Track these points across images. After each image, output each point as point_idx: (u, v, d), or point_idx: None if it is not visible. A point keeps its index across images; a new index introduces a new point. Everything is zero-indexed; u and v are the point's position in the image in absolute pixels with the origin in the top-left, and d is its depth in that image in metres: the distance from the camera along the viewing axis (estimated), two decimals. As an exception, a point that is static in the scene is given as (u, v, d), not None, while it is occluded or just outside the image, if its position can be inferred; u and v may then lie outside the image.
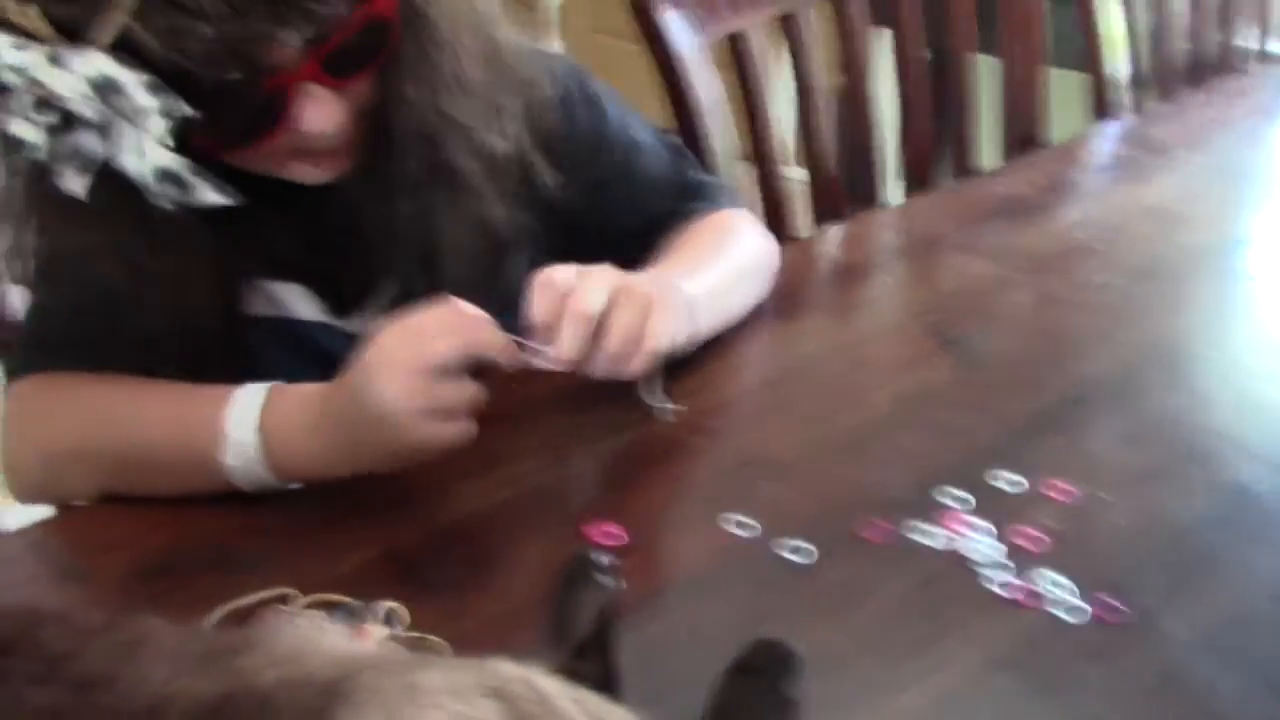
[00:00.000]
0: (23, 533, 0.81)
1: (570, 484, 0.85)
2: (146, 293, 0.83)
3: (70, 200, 0.74)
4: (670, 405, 0.90)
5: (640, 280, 0.85)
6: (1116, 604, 0.74)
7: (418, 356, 0.75)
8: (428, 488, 0.83)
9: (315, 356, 0.92)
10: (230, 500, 0.82)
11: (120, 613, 0.59)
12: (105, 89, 0.70)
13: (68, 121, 0.72)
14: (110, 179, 0.74)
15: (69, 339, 0.88)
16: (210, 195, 0.75)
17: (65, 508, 0.85)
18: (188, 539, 0.79)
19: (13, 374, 0.90)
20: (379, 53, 0.80)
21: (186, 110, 0.71)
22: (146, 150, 0.72)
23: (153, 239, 0.79)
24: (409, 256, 0.90)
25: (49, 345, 0.89)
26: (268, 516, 0.81)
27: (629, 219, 1.02)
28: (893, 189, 1.65)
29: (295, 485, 0.83)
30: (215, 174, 0.77)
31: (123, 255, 0.80)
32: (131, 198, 0.75)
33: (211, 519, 0.81)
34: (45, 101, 0.71)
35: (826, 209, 1.54)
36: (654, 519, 0.81)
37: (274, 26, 0.72)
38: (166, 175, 0.73)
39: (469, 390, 0.77)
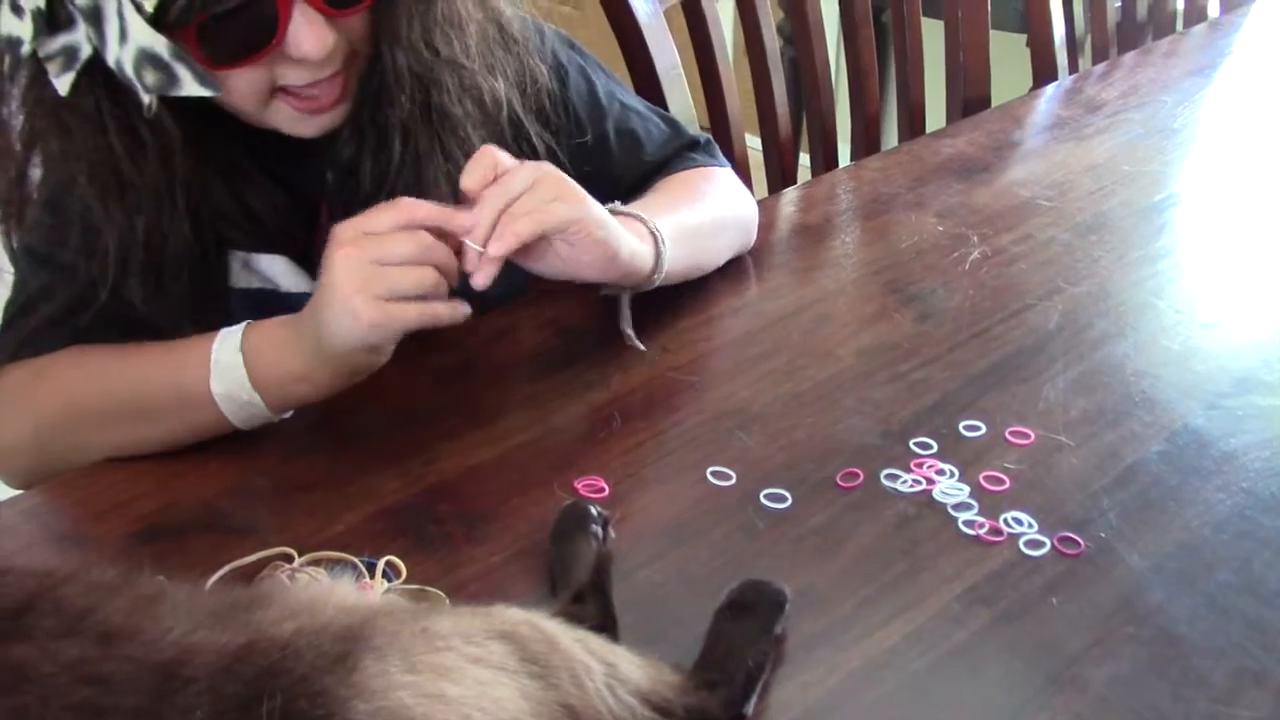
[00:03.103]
0: (16, 501, 0.82)
1: (554, 440, 0.87)
2: (121, 206, 0.82)
3: (60, 102, 0.76)
4: (634, 336, 0.94)
5: (567, 180, 0.85)
6: (1075, 537, 0.78)
7: (366, 248, 0.77)
8: (416, 447, 0.86)
9: None
10: (222, 464, 0.83)
11: (128, 572, 0.61)
12: None
13: (53, 13, 0.73)
14: (100, 81, 0.75)
15: (49, 323, 0.89)
16: (193, 85, 0.75)
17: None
18: (181, 503, 0.81)
19: (5, 355, 0.90)
20: None
21: None
22: (131, 30, 0.73)
23: (136, 145, 0.80)
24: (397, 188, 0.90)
25: (27, 334, 0.89)
26: (260, 479, 0.83)
27: (623, 176, 1.05)
28: (843, 151, 1.69)
29: (285, 414, 0.84)
30: (210, 129, 0.79)
31: (105, 157, 0.80)
32: (120, 106, 0.77)
33: (203, 483, 0.82)
34: None
35: (780, 174, 1.58)
36: (637, 471, 0.84)
37: None
38: (149, 58, 0.74)
39: (424, 274, 0.78)
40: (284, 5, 0.76)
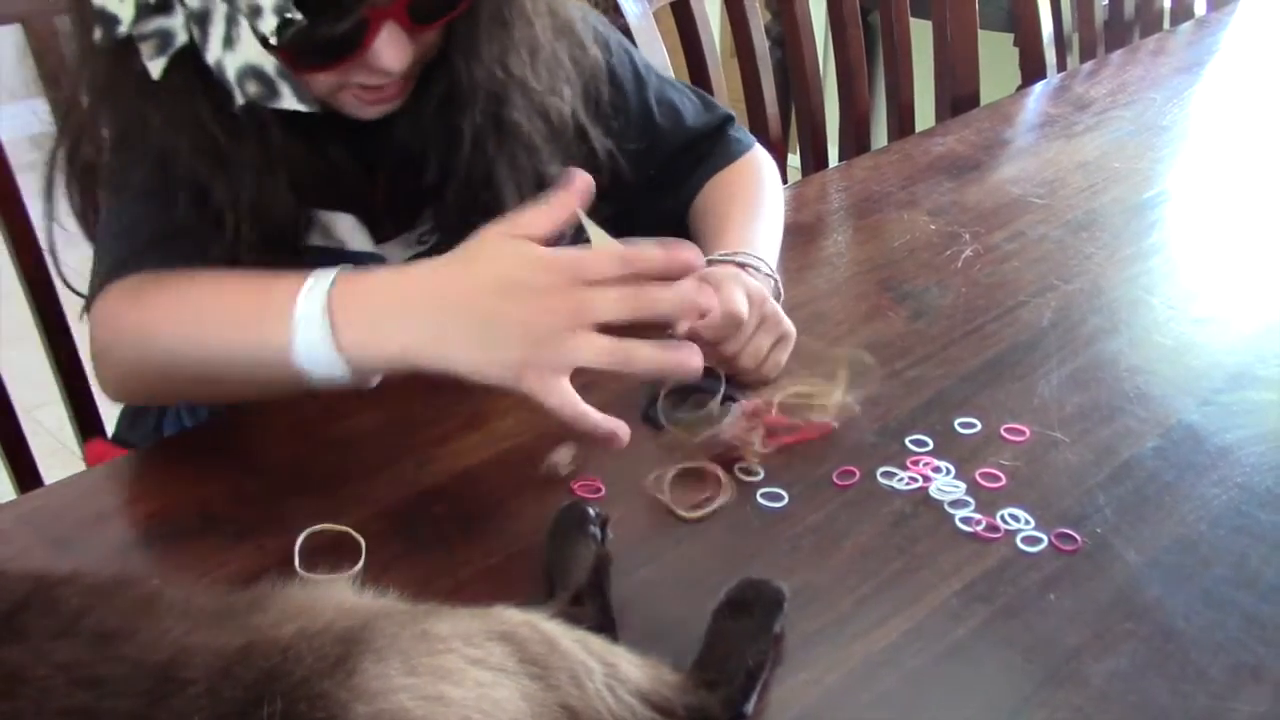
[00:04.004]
0: (10, 506, 0.82)
1: (550, 441, 0.87)
2: (226, 180, 0.84)
3: (153, 81, 0.77)
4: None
5: (773, 306, 0.91)
6: (1072, 533, 0.78)
7: (572, 300, 0.70)
8: (411, 450, 0.86)
9: None
10: (217, 468, 0.83)
11: (124, 575, 0.61)
12: None
13: (156, 7, 0.75)
14: (192, 65, 0.77)
15: (153, 242, 0.86)
16: (291, 100, 0.78)
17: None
18: (175, 508, 0.80)
19: (101, 279, 0.87)
20: (460, 5, 0.84)
21: (297, 14, 0.74)
22: (241, 44, 0.75)
23: (233, 124, 0.81)
24: (460, 197, 0.92)
25: (134, 250, 0.86)
26: (254, 484, 0.82)
27: (663, 146, 1.09)
28: (832, 152, 1.69)
29: (371, 383, 0.79)
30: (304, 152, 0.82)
31: (203, 134, 0.82)
32: (213, 87, 0.78)
33: (199, 487, 0.82)
34: None
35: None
36: (632, 470, 0.83)
37: None
38: (253, 72, 0.77)
39: (632, 353, 0.71)
40: (375, 24, 0.79)
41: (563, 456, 0.84)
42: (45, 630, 0.54)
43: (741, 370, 0.90)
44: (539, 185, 0.93)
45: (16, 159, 1.07)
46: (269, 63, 0.77)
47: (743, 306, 0.86)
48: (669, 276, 0.72)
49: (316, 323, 0.74)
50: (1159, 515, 0.80)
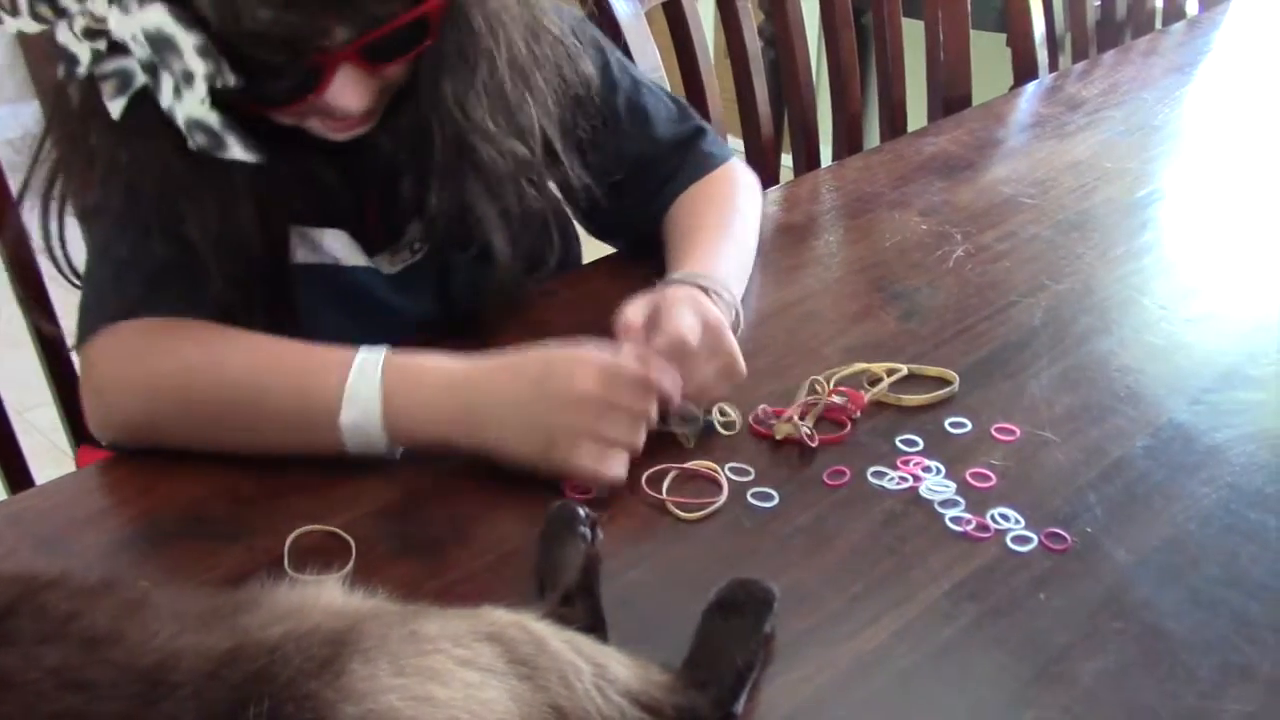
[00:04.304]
0: (0, 506, 0.81)
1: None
2: (193, 214, 0.84)
3: (117, 120, 0.77)
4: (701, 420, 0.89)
5: (728, 339, 0.89)
6: (1061, 533, 0.78)
7: (606, 407, 0.80)
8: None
9: (356, 301, 0.94)
10: (206, 469, 0.83)
11: (112, 578, 0.61)
12: (159, 42, 0.74)
13: (114, 49, 0.75)
14: (151, 104, 0.77)
15: (149, 283, 0.87)
16: (238, 151, 0.78)
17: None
18: (165, 509, 0.80)
19: (96, 319, 0.87)
20: (418, 45, 0.83)
21: (230, 80, 0.75)
22: (184, 99, 0.75)
23: (196, 159, 0.80)
24: (443, 214, 0.92)
25: (129, 291, 0.87)
26: (246, 485, 0.82)
27: (628, 150, 1.06)
28: (825, 152, 1.69)
29: (396, 454, 0.83)
30: (246, 116, 0.80)
31: (165, 168, 0.82)
32: (174, 125, 0.78)
33: (189, 488, 0.82)
34: (98, 31, 0.74)
35: (762, 175, 1.58)
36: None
37: (330, 21, 0.75)
38: (198, 125, 0.76)
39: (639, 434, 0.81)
40: (330, 68, 0.78)
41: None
42: (34, 635, 0.54)
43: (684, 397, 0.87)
44: (520, 200, 0.93)
45: (8, 159, 1.07)
46: (213, 118, 0.76)
47: (691, 332, 0.85)
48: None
49: (369, 402, 0.80)
50: (1149, 515, 0.81)
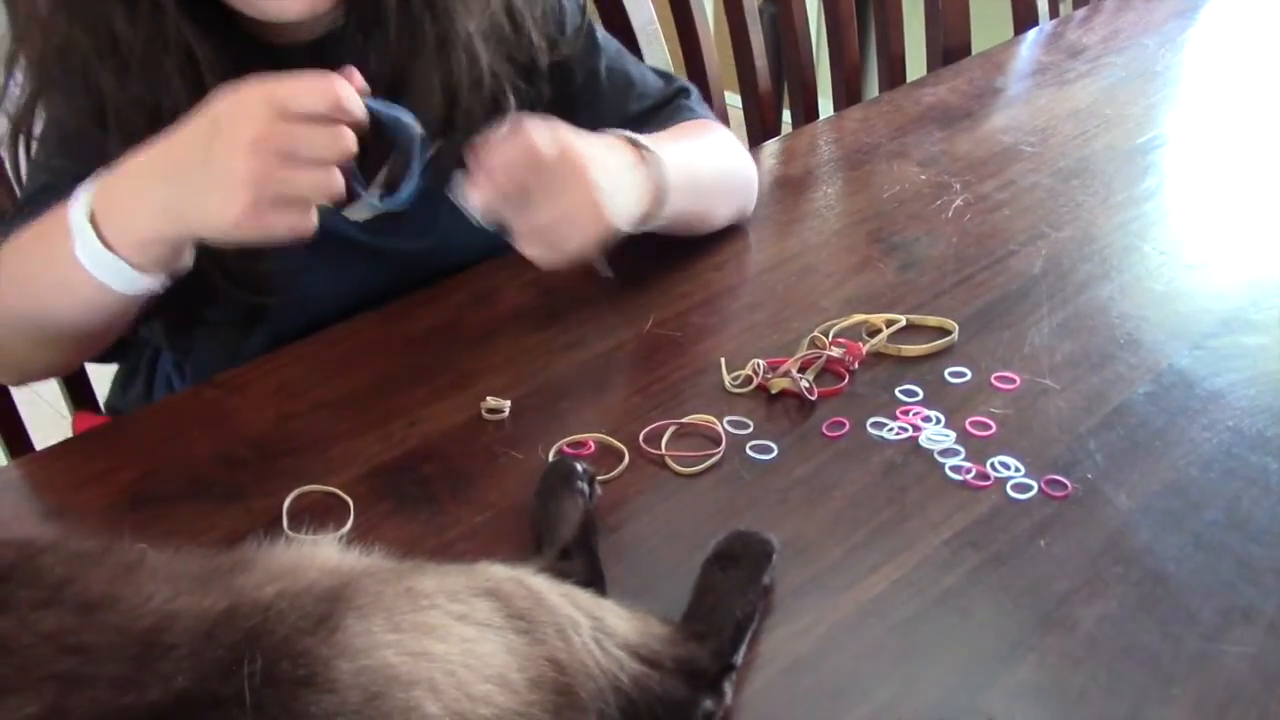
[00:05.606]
0: (-3, 475, 0.82)
1: (537, 399, 0.86)
2: (114, 69, 0.83)
3: None
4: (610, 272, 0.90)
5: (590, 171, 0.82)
6: (1062, 480, 0.78)
7: (279, 139, 0.70)
8: (399, 409, 0.85)
9: (325, 242, 0.93)
10: (203, 430, 0.83)
11: (108, 541, 0.60)
12: None
13: None
14: None
15: (20, 207, 0.88)
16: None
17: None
18: (162, 471, 0.80)
19: None
20: None
21: None
22: None
23: (133, 13, 0.81)
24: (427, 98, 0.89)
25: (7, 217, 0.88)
26: (242, 445, 0.82)
27: (609, 113, 1.02)
28: (824, 106, 1.67)
29: (151, 275, 0.78)
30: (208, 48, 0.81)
31: (103, 20, 0.82)
32: None
33: (186, 451, 0.82)
34: None
35: (760, 130, 1.56)
36: (623, 427, 0.83)
37: None
38: None
39: (329, 180, 0.72)
40: None
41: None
42: (30, 600, 0.54)
43: (518, 234, 0.82)
44: (478, 89, 0.91)
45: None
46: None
47: (542, 141, 0.78)
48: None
49: (86, 230, 0.76)
50: (1149, 460, 0.80)
